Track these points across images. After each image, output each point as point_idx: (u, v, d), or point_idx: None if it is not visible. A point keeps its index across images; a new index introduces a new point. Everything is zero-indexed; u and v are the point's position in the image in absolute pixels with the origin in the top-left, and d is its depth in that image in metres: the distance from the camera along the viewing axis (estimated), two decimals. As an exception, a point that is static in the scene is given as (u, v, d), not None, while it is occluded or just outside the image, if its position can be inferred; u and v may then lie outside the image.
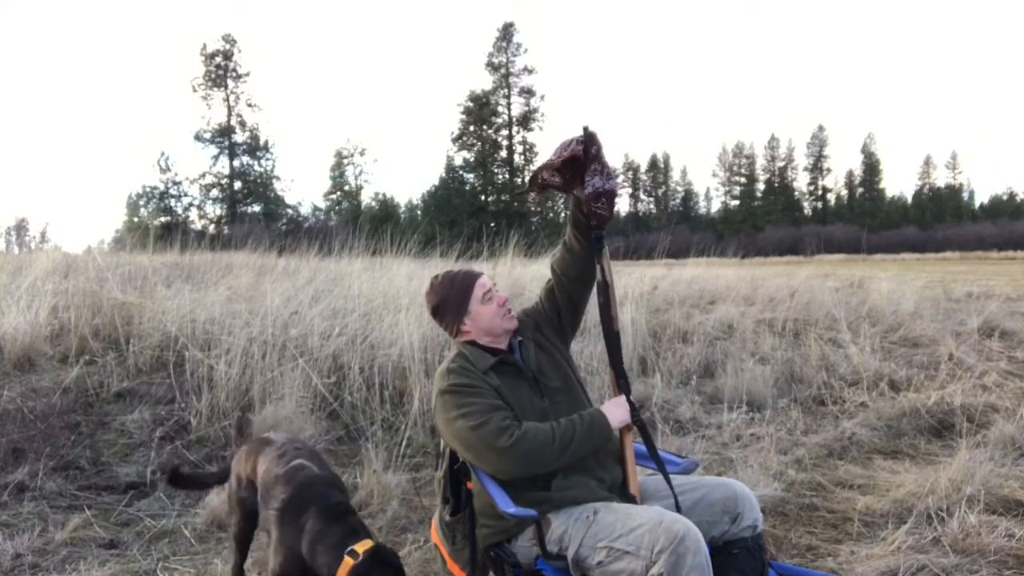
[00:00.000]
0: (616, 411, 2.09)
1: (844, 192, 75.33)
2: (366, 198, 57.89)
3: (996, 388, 5.38)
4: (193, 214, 47.67)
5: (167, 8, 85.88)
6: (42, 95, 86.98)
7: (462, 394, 2.04)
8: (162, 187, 46.69)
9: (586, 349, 5.87)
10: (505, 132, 53.69)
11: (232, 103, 48.08)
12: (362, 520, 2.22)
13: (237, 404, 4.35)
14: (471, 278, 2.22)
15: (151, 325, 5.13)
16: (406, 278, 6.71)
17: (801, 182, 73.86)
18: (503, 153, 53.73)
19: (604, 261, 2.17)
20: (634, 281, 8.22)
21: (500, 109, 53.34)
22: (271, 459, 2.42)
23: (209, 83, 47.83)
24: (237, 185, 48.19)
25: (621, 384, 2.14)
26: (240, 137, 48.11)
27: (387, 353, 4.95)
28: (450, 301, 2.20)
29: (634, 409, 2.11)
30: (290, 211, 49.04)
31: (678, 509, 1.95)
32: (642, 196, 76.27)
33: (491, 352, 2.17)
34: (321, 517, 2.12)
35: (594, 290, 2.20)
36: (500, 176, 53.78)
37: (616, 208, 2.24)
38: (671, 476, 2.09)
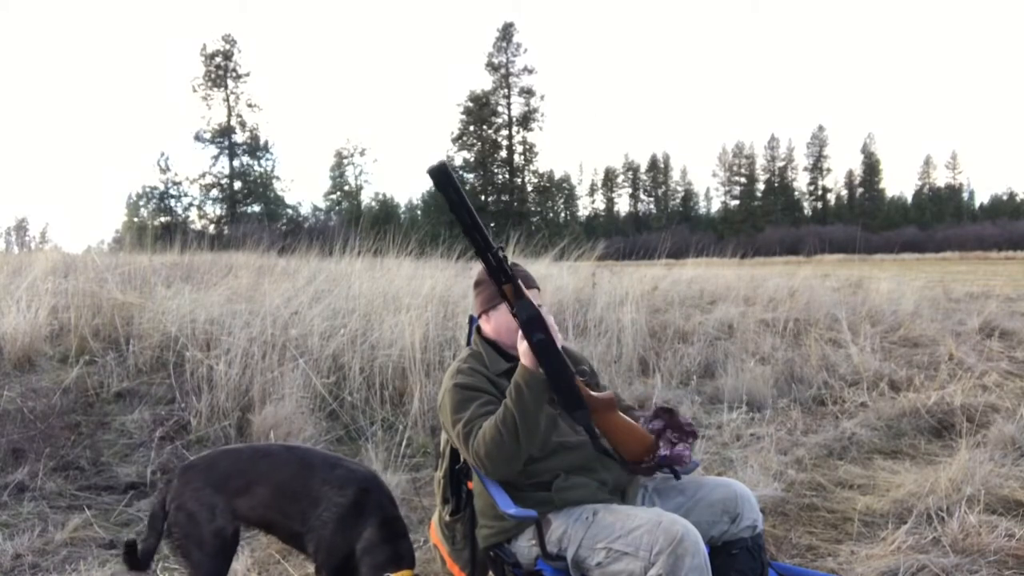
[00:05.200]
0: (524, 353, 1.90)
1: (844, 192, 75.30)
2: (366, 198, 57.99)
3: (996, 388, 5.38)
4: (193, 214, 47.57)
5: (167, 8, 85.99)
6: (42, 95, 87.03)
7: (461, 396, 2.04)
8: (162, 187, 46.57)
9: (586, 349, 5.88)
10: (505, 132, 53.61)
11: (232, 103, 47.98)
12: (411, 545, 2.25)
13: (237, 404, 4.34)
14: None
15: (151, 325, 5.13)
16: (406, 278, 6.70)
17: (801, 182, 73.90)
18: (503, 153, 53.64)
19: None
20: (634, 281, 8.22)
21: (500, 109, 53.26)
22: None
23: (209, 83, 47.72)
24: (237, 185, 48.08)
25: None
26: (240, 137, 47.99)
27: (387, 353, 4.95)
28: (489, 288, 2.15)
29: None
30: (290, 211, 48.94)
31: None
32: (642, 196, 76.35)
33: (506, 357, 2.16)
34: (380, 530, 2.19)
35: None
36: (500, 176, 53.69)
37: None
38: (670, 477, 2.09)
